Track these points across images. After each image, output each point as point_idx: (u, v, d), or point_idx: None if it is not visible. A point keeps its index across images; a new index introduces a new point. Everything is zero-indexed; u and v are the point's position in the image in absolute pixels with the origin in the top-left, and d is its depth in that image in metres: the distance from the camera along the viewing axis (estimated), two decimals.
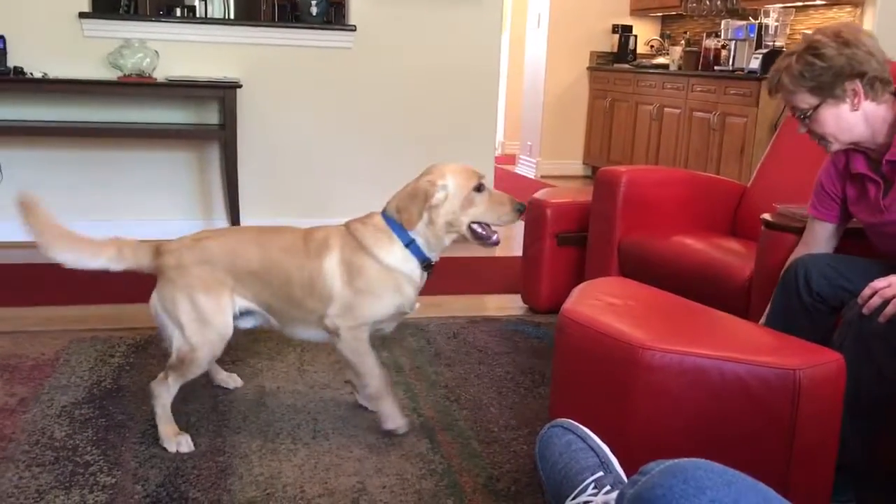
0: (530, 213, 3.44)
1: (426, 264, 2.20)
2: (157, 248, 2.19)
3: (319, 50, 4.58)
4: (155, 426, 2.20)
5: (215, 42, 4.46)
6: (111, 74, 4.21)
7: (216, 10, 6.34)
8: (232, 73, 4.42)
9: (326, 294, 2.16)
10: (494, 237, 2.22)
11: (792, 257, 2.19)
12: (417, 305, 2.28)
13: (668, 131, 6.32)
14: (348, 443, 2.23)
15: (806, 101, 2.04)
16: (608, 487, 1.33)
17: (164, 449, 2.14)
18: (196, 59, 4.41)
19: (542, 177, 7.52)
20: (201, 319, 2.12)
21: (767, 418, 1.70)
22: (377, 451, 2.18)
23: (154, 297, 2.17)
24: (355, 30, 4.58)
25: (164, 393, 2.16)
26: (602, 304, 1.93)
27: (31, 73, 4.09)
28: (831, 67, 1.98)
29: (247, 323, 2.28)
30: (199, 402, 2.44)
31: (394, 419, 2.25)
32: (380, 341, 3.00)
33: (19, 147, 4.29)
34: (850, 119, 2.02)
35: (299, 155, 4.64)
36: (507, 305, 3.59)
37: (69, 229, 2.13)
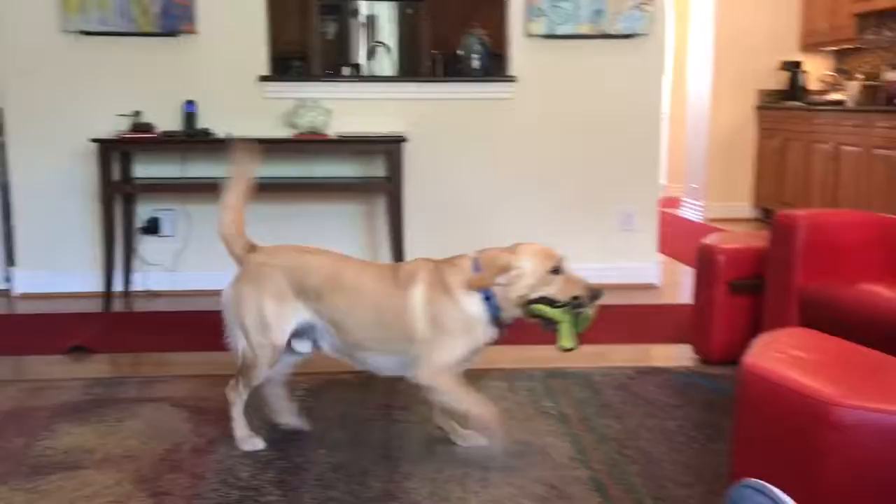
0: (701, 258, 3.32)
1: (498, 320, 2.36)
2: None
3: (480, 101, 4.68)
4: (334, 468, 2.33)
5: (382, 98, 4.65)
6: (288, 132, 4.48)
7: (381, 68, 6.63)
8: (397, 127, 4.59)
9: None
10: None
11: None
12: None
13: (847, 171, 5.95)
14: (517, 493, 2.21)
15: None
16: None
17: (343, 491, 2.21)
18: (364, 114, 4.62)
19: (709, 220, 7.27)
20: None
21: None
22: None
23: None
24: (515, 80, 4.65)
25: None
26: (787, 357, 1.82)
27: (217, 134, 4.43)
28: None
29: (303, 347, 2.53)
30: (370, 447, 2.51)
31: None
32: (544, 390, 2.97)
33: (207, 202, 4.62)
34: None
35: (462, 205, 4.72)
36: (677, 356, 3.46)
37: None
